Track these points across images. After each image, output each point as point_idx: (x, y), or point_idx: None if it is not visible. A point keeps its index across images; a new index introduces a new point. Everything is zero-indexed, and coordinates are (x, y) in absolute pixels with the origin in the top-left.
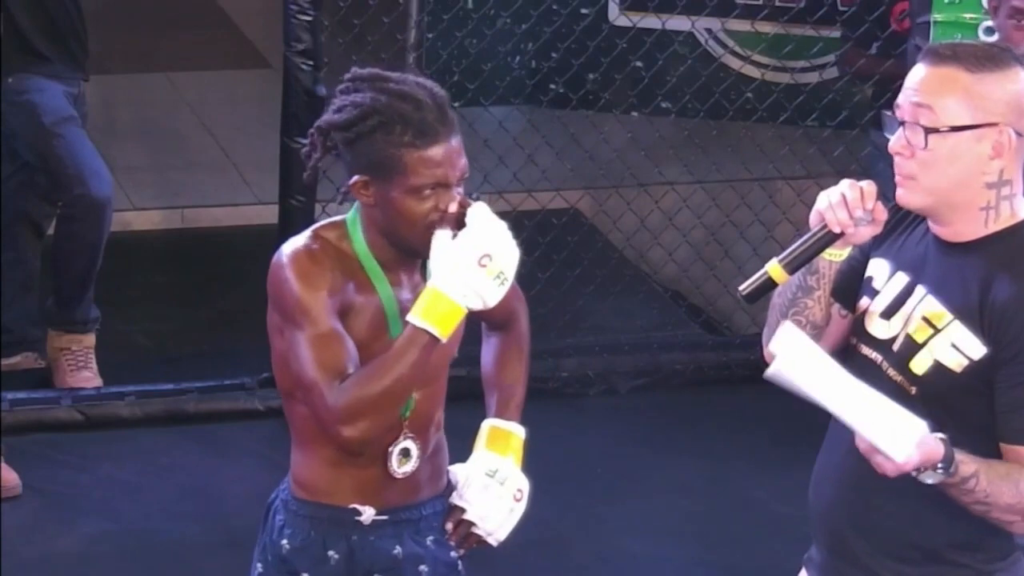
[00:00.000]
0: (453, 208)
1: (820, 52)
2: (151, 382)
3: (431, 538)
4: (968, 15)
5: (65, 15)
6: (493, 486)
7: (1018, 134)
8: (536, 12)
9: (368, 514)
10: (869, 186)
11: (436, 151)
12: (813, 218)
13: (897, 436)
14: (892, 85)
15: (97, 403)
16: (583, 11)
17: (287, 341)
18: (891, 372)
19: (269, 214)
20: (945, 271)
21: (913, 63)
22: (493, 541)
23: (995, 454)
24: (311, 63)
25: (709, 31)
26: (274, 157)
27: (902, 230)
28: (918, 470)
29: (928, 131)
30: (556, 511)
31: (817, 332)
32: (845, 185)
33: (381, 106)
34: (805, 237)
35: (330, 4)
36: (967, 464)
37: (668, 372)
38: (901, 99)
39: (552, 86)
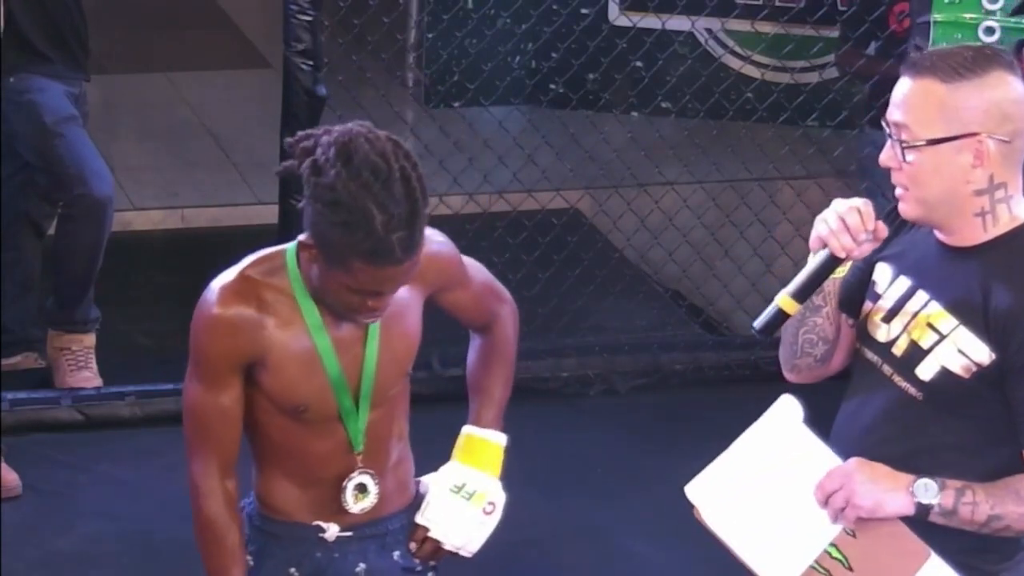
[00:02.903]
0: (382, 307)
1: (820, 52)
2: (151, 382)
3: (397, 552)
4: (968, 15)
5: (66, 15)
6: (458, 502)
7: (1002, 140)
8: (536, 12)
9: (332, 531)
10: (866, 206)
11: (387, 273)
12: (814, 243)
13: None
14: (891, 85)
15: (97, 403)
16: (583, 11)
17: (186, 374)
18: (896, 378)
19: (269, 214)
20: (948, 276)
21: None
22: (465, 554)
23: (1005, 458)
24: (311, 63)
25: (709, 31)
26: (274, 157)
27: (905, 232)
28: (912, 494)
29: (905, 146)
30: (556, 511)
31: (829, 346)
32: (843, 208)
33: (354, 206)
34: (810, 265)
35: (330, 4)
36: (952, 480)
37: (668, 372)
38: (888, 112)
39: (552, 86)
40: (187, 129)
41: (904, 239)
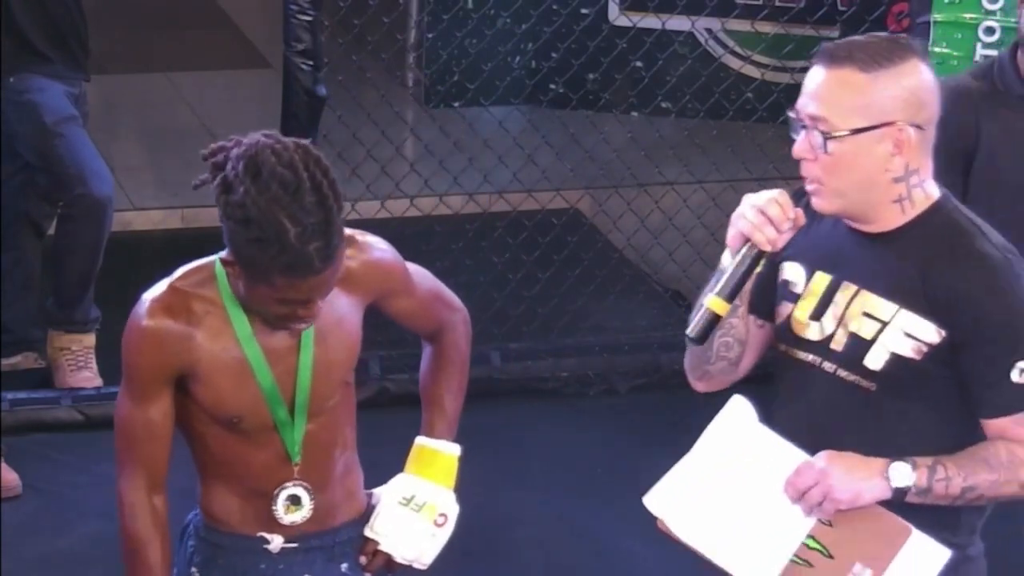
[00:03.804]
0: (313, 314)
1: None
2: None
3: (346, 564)
4: (968, 15)
5: (66, 14)
6: (407, 515)
7: (917, 127)
8: (536, 12)
9: (276, 543)
10: (782, 196)
11: (309, 283)
12: (734, 240)
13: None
14: None
15: (97, 403)
16: (583, 11)
17: (120, 388)
18: (842, 373)
19: None
20: (874, 263)
21: None
22: (419, 566)
23: (958, 435)
24: (311, 63)
25: (709, 31)
26: None
27: (807, 227)
28: (888, 479)
29: (827, 136)
30: (556, 511)
31: (743, 348)
32: (761, 202)
33: (266, 222)
34: (733, 263)
35: (330, 4)
36: (922, 458)
37: (668, 372)
38: (800, 103)
39: (552, 86)
40: (187, 129)
41: (805, 236)
